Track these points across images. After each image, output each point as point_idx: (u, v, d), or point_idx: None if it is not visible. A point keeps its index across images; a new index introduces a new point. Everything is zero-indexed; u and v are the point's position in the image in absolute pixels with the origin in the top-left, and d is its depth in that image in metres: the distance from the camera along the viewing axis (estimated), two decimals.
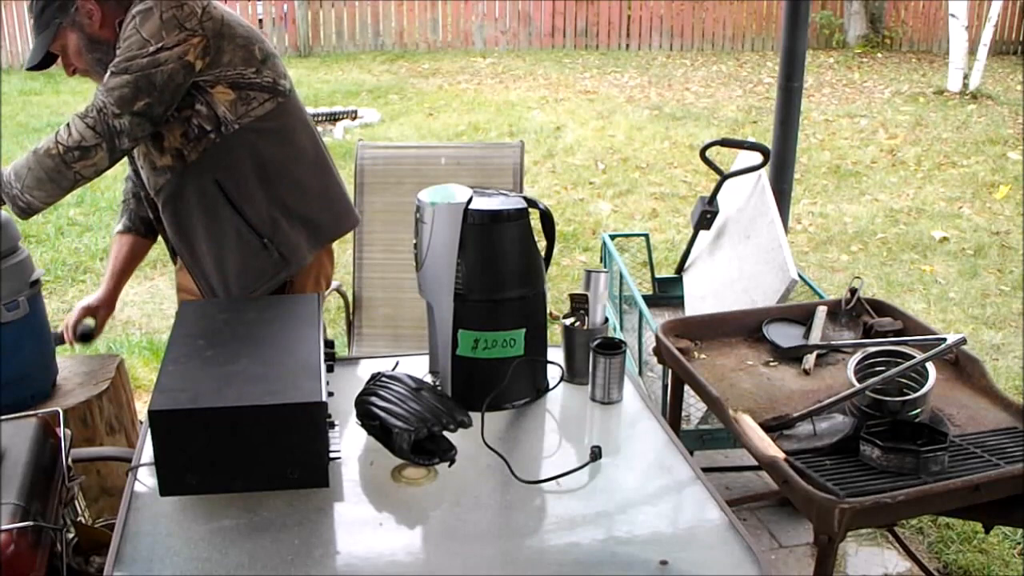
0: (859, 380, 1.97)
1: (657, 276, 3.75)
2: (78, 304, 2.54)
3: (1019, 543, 2.74)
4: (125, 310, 4.43)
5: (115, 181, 6.17)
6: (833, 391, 2.05)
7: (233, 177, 2.15)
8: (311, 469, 1.48)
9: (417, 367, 1.88)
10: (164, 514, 1.49)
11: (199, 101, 2.08)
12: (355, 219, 2.41)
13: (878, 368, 2.02)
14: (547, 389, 1.92)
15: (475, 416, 1.65)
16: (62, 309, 4.43)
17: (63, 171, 2.01)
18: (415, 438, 1.54)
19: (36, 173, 2.01)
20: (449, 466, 1.57)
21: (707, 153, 3.38)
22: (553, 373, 1.95)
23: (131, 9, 2.02)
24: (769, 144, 3.68)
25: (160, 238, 2.42)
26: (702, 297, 3.23)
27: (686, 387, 2.31)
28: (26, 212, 2.07)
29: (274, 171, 2.20)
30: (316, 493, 1.52)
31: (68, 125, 2.02)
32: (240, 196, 2.17)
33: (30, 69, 2.16)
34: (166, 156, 2.13)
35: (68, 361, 2.68)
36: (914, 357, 1.99)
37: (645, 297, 3.31)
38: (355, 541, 1.44)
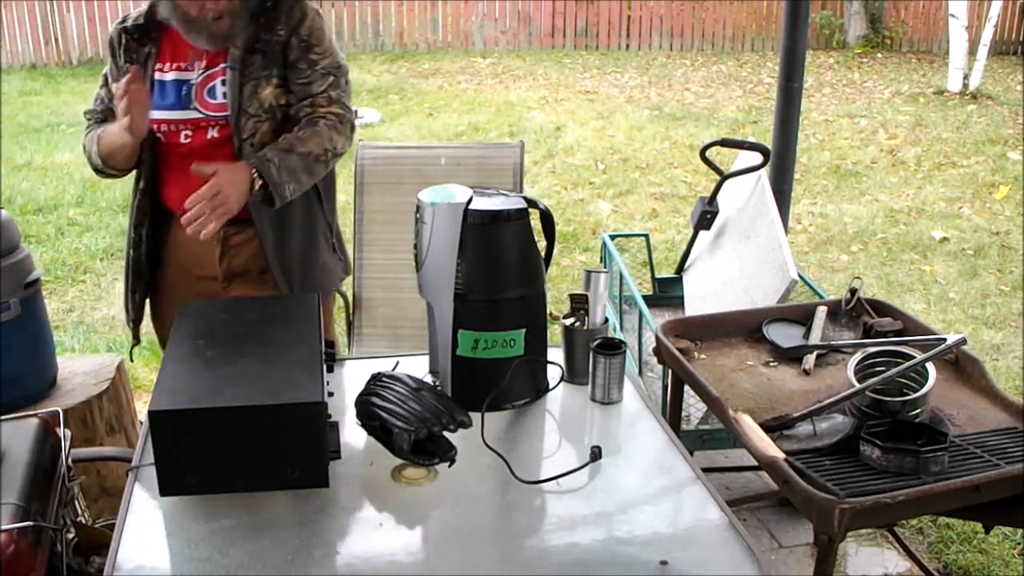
0: (859, 380, 1.97)
1: (657, 276, 3.75)
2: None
3: (1019, 543, 2.74)
4: None
5: (114, 181, 6.16)
6: (833, 391, 2.05)
7: (323, 180, 2.24)
8: (311, 469, 1.48)
9: (417, 367, 1.88)
10: (164, 514, 1.49)
11: None
12: None
13: (878, 368, 2.02)
14: (547, 389, 1.92)
15: (475, 416, 1.65)
16: (62, 309, 4.43)
17: (321, 172, 2.13)
18: (415, 438, 1.54)
19: (304, 176, 2.07)
20: (449, 466, 1.57)
21: (707, 153, 3.38)
22: (553, 373, 1.95)
23: (295, 9, 2.08)
24: (769, 144, 3.68)
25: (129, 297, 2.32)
26: (702, 297, 3.23)
27: (686, 387, 2.31)
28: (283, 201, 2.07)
29: (332, 188, 2.34)
30: (316, 493, 1.52)
31: (333, 136, 2.09)
32: (326, 199, 2.28)
33: None
34: None
35: (68, 361, 2.69)
36: (914, 357, 1.99)
37: (645, 297, 3.31)
38: (355, 541, 1.44)
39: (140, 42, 2.11)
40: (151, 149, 2.14)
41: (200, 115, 2.09)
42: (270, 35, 2.08)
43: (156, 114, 2.09)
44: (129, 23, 2.14)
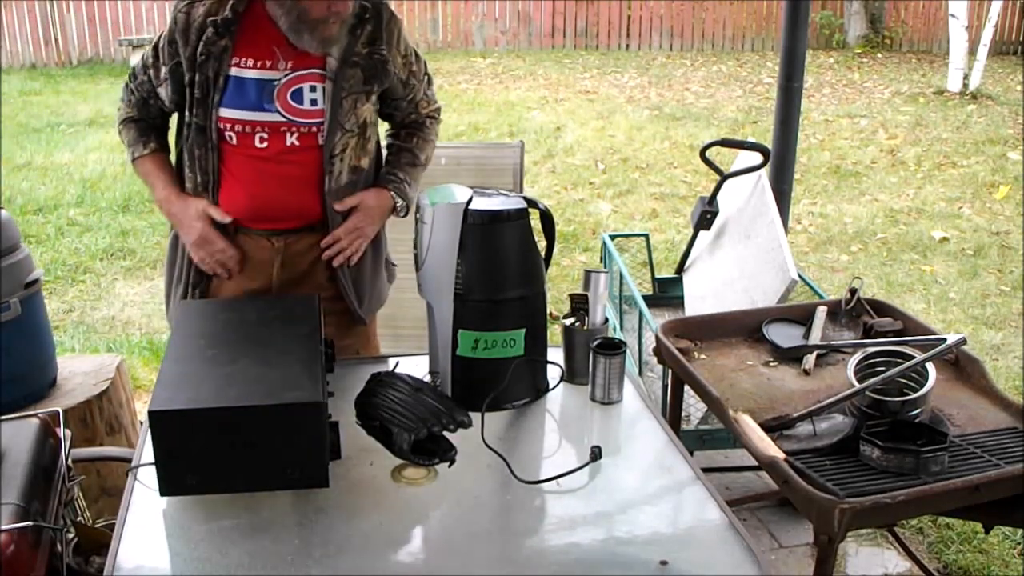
0: (859, 380, 1.97)
1: (657, 276, 3.75)
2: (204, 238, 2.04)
3: (1019, 543, 2.74)
4: (125, 310, 4.44)
5: (114, 181, 6.17)
6: (833, 391, 2.05)
7: None
8: (311, 469, 1.48)
9: (417, 367, 1.88)
10: (164, 514, 1.49)
11: None
12: None
13: (878, 368, 2.02)
14: (547, 389, 1.92)
15: (475, 416, 1.65)
16: (62, 309, 4.43)
17: None
18: (415, 438, 1.54)
19: (421, 181, 2.24)
20: (449, 466, 1.57)
21: (707, 153, 3.38)
22: (553, 373, 1.95)
23: (392, 24, 2.09)
24: (769, 144, 3.68)
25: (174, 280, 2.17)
26: (702, 297, 3.23)
27: (686, 387, 2.31)
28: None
29: None
30: (316, 493, 1.51)
31: (437, 131, 2.30)
32: None
33: None
34: (366, 157, 2.15)
35: (68, 361, 2.69)
36: (914, 357, 1.99)
37: (645, 297, 3.31)
38: (355, 541, 1.44)
39: (219, 34, 1.95)
40: (215, 150, 2.01)
41: (282, 118, 1.99)
42: (369, 49, 2.04)
43: (231, 113, 1.98)
44: (210, 15, 1.96)
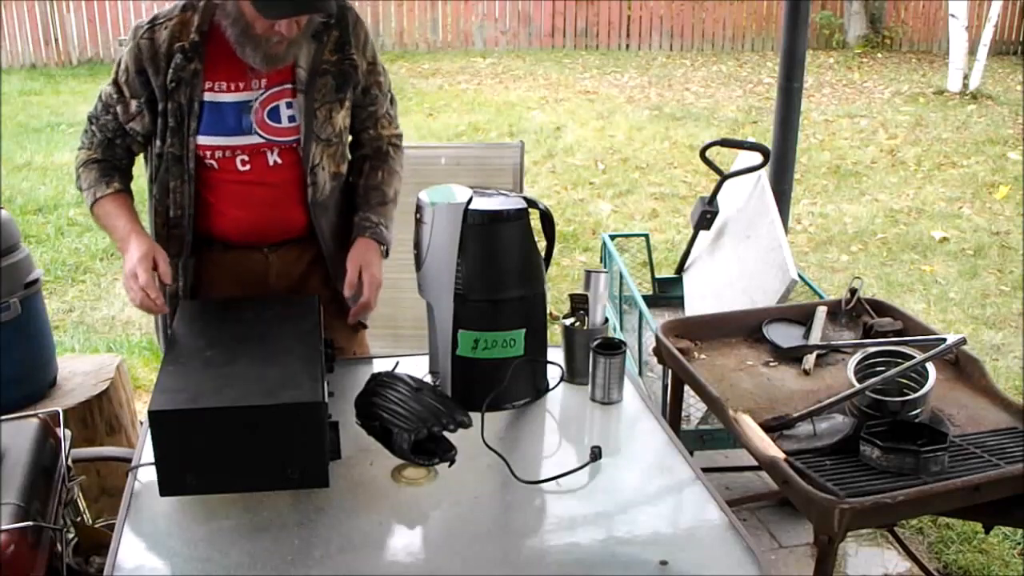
0: (859, 380, 1.97)
1: (657, 276, 3.75)
2: (135, 268, 1.84)
3: (1019, 543, 2.74)
4: (125, 310, 4.44)
5: None
6: (833, 391, 2.05)
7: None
8: (311, 469, 1.48)
9: (417, 367, 1.88)
10: (164, 514, 1.49)
11: None
12: None
13: (878, 368, 2.02)
14: (547, 389, 1.92)
15: (475, 416, 1.65)
16: (62, 309, 4.43)
17: None
18: (415, 438, 1.54)
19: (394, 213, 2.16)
20: (449, 466, 1.57)
21: (707, 153, 3.39)
22: (553, 373, 1.95)
23: (358, 28, 2.03)
24: (769, 144, 3.68)
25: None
26: (702, 297, 3.23)
27: (686, 387, 2.31)
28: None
29: None
30: (316, 493, 1.52)
31: (401, 160, 2.18)
32: None
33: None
34: (344, 163, 2.12)
35: (68, 361, 2.69)
36: (914, 357, 1.99)
37: (645, 297, 3.31)
38: (355, 541, 1.44)
39: (187, 58, 1.88)
40: (192, 181, 1.96)
41: (261, 139, 1.95)
42: (339, 55, 1.99)
43: (210, 140, 1.93)
44: (175, 39, 1.88)
